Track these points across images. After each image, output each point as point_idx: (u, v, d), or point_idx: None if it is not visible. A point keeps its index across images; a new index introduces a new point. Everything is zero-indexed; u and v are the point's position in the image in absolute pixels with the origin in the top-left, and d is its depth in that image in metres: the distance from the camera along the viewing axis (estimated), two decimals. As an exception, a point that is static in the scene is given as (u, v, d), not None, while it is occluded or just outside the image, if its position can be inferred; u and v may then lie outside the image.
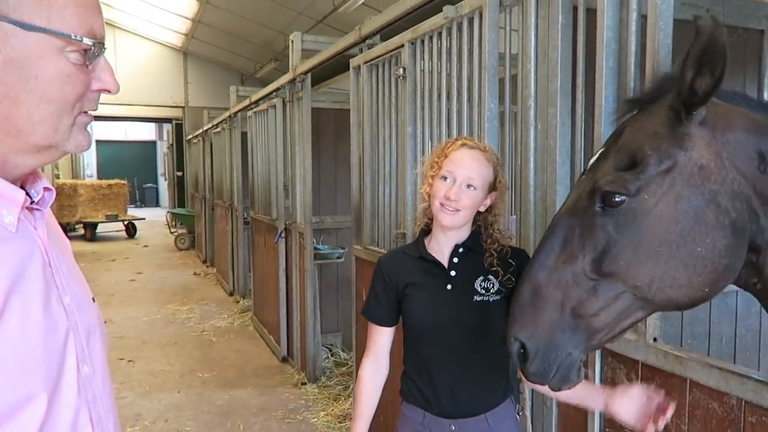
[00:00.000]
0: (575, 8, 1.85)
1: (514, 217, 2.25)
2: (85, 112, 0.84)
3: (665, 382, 1.50)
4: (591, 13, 1.76)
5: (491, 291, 1.67)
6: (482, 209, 1.69)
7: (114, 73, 0.86)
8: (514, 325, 1.20)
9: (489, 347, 1.67)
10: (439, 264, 1.70)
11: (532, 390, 2.03)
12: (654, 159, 1.07)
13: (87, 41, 0.79)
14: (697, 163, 1.06)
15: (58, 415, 0.79)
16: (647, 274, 1.08)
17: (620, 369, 1.64)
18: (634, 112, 1.19)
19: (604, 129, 1.63)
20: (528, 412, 2.03)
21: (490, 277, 1.68)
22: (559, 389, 1.21)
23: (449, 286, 1.68)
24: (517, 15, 2.08)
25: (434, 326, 1.66)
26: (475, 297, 1.66)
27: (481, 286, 1.67)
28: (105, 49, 0.85)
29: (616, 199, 1.08)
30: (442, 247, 1.72)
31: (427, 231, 1.76)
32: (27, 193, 0.85)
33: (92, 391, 0.87)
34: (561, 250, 1.16)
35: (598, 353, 1.71)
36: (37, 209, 0.87)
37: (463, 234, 1.71)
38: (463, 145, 1.66)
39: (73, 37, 0.78)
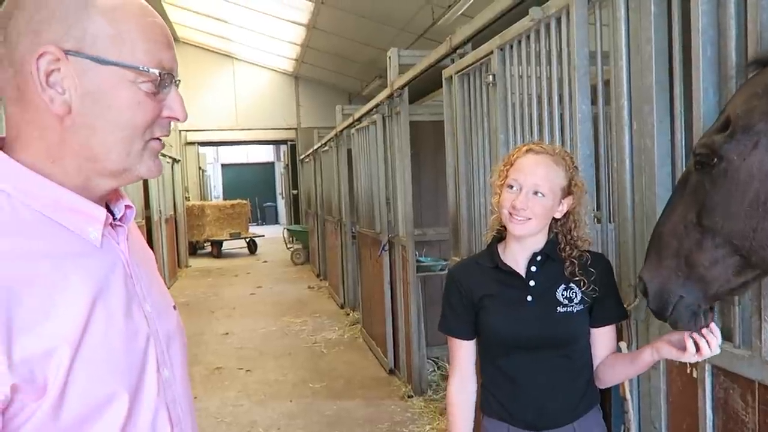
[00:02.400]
0: (669, -4, 1.72)
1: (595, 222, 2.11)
2: (157, 139, 0.91)
3: (787, 406, 1.32)
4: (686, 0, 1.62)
5: (574, 301, 1.58)
6: (558, 215, 1.60)
7: (183, 102, 0.92)
8: (643, 266, 1.33)
9: (574, 357, 1.58)
10: (516, 274, 1.63)
11: (639, 410, 1.88)
12: (745, 120, 1.10)
13: (154, 71, 0.86)
14: None
15: (139, 413, 0.86)
16: (739, 230, 1.12)
17: (733, 389, 1.47)
18: (755, 73, 1.17)
19: (703, 123, 1.49)
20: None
21: (572, 285, 1.59)
22: (676, 327, 1.31)
23: (529, 298, 1.60)
24: (607, 11, 1.97)
25: (515, 340, 1.59)
26: (558, 308, 1.57)
27: (563, 295, 1.58)
28: (178, 80, 0.91)
29: (709, 160, 1.14)
30: (517, 257, 1.65)
31: (499, 238, 1.69)
32: (111, 211, 0.93)
33: (172, 393, 0.93)
34: (678, 203, 1.25)
35: (708, 371, 1.55)
36: (120, 225, 0.95)
37: (539, 241, 1.63)
38: (528, 150, 1.59)
39: (141, 68, 0.85)
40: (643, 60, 1.77)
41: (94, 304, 0.82)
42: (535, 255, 1.63)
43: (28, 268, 0.77)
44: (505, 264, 1.65)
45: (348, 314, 7.76)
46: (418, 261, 4.84)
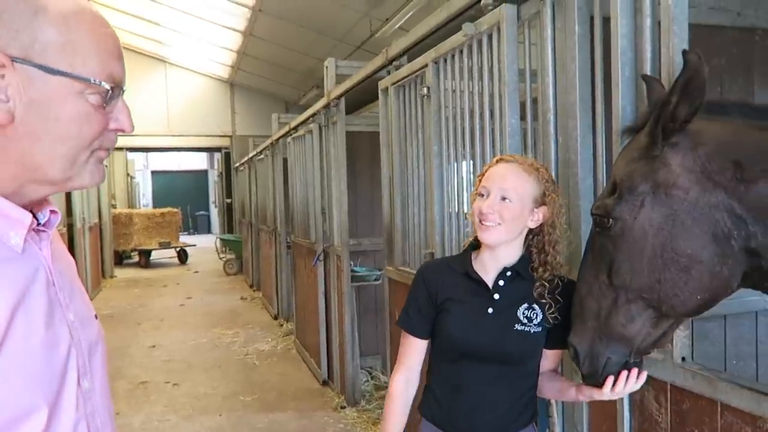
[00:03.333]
0: (592, 18, 1.81)
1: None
2: (105, 149, 0.88)
3: (695, 405, 1.41)
4: (607, 22, 1.71)
5: (533, 322, 1.58)
6: (532, 225, 1.59)
7: (130, 114, 0.89)
8: (571, 331, 1.39)
9: (520, 376, 1.60)
10: (483, 284, 1.62)
11: (563, 414, 1.95)
12: (628, 183, 1.20)
13: (106, 85, 0.83)
14: (668, 182, 1.16)
15: (57, 427, 0.82)
16: (646, 284, 1.20)
17: (648, 391, 1.56)
18: (631, 139, 1.29)
19: (621, 141, 1.57)
20: (558, 437, 1.95)
21: (535, 306, 1.59)
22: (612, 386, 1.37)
23: (491, 310, 1.60)
24: (536, 30, 2.06)
25: (468, 347, 1.59)
26: (516, 325, 1.57)
27: (524, 314, 1.58)
28: (123, 91, 0.88)
29: (605, 222, 1.23)
30: (487, 267, 1.64)
31: (475, 246, 1.68)
32: (34, 216, 0.88)
33: (91, 405, 0.90)
34: (590, 266, 1.33)
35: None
36: (43, 230, 0.90)
37: (512, 256, 1.62)
38: (499, 160, 1.62)
39: (93, 81, 0.82)
40: (568, 78, 1.86)
41: (14, 312, 0.78)
42: (505, 269, 1.62)
43: None
44: (475, 272, 1.64)
45: (282, 325, 7.64)
46: (352, 271, 4.83)
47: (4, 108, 0.78)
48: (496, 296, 1.60)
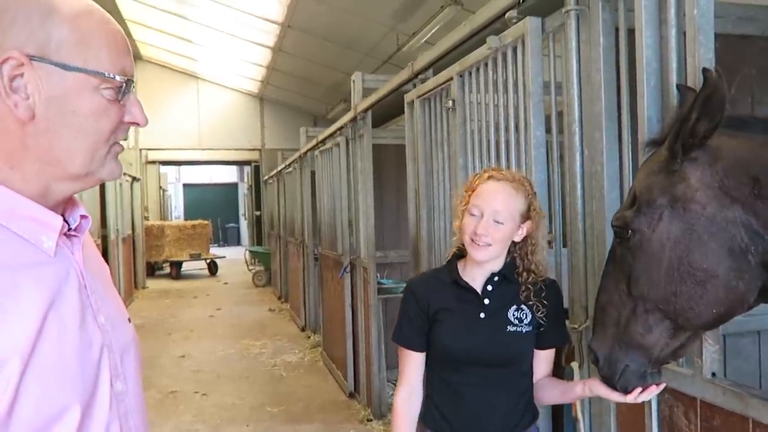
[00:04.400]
0: (617, 29, 1.81)
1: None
2: (118, 143, 0.92)
3: (726, 421, 1.37)
4: (632, 34, 1.71)
5: (524, 322, 1.64)
6: (517, 239, 1.66)
7: (142, 107, 0.93)
8: (592, 337, 1.42)
9: (518, 376, 1.64)
10: (473, 291, 1.68)
11: (590, 430, 1.92)
12: (647, 196, 1.22)
13: (119, 78, 0.87)
14: (686, 196, 1.17)
15: (91, 426, 0.84)
16: (662, 296, 1.21)
17: (677, 407, 1.52)
18: (653, 152, 1.30)
19: (645, 153, 1.56)
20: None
21: (524, 307, 1.65)
22: (626, 393, 1.39)
23: (482, 315, 1.65)
24: (560, 42, 2.06)
25: (465, 354, 1.63)
26: (508, 327, 1.63)
27: (514, 316, 1.64)
28: (134, 85, 0.92)
29: (624, 233, 1.25)
30: (475, 275, 1.70)
31: (459, 255, 1.73)
32: (65, 220, 0.92)
33: (124, 406, 0.92)
34: (610, 276, 1.34)
35: (653, 389, 1.59)
36: (75, 235, 0.94)
37: (498, 263, 1.68)
38: (490, 177, 1.65)
39: (107, 75, 0.86)
40: (593, 89, 1.85)
41: (47, 314, 0.80)
42: (492, 275, 1.69)
43: None
44: (463, 280, 1.70)
45: (309, 337, 7.67)
46: (379, 283, 4.84)
47: (24, 105, 0.81)
48: (486, 301, 1.67)
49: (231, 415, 5.00)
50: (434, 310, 1.69)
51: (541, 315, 1.66)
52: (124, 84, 0.88)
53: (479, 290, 1.68)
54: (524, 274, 1.69)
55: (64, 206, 0.94)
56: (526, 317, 1.66)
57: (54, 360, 0.80)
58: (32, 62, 0.81)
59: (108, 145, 0.89)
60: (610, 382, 1.39)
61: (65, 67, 0.83)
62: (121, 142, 0.93)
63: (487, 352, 1.63)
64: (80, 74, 0.84)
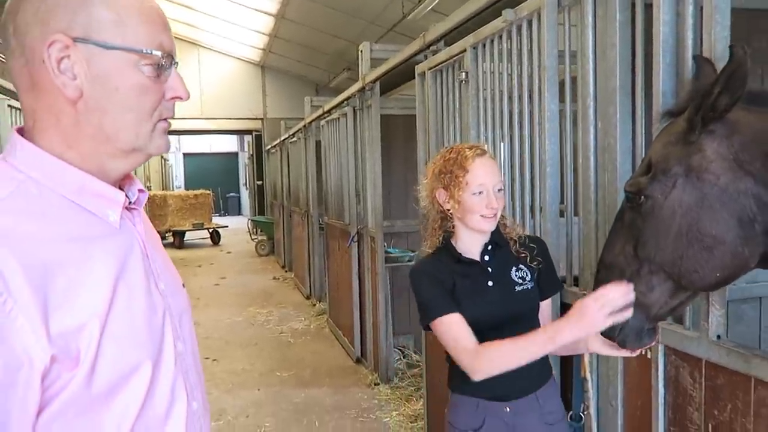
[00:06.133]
0: (633, 5, 1.84)
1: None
2: (164, 120, 0.96)
3: (729, 380, 1.47)
4: (649, 9, 1.75)
5: (527, 279, 1.79)
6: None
7: (184, 82, 0.97)
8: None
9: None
10: (476, 263, 1.79)
11: (598, 390, 2.02)
12: (663, 164, 1.27)
13: (156, 53, 0.91)
14: (701, 166, 1.22)
15: (160, 381, 0.92)
16: (669, 259, 1.28)
17: (683, 367, 1.62)
18: (669, 122, 1.35)
19: (661, 123, 1.62)
20: (593, 411, 2.02)
21: (521, 266, 1.79)
22: (623, 347, 1.47)
23: (490, 283, 1.77)
24: (576, 14, 2.09)
25: (484, 322, 1.71)
26: (516, 287, 1.76)
27: (516, 275, 1.78)
28: (176, 62, 0.96)
29: (637, 199, 1.30)
30: (471, 248, 1.81)
31: (447, 236, 1.83)
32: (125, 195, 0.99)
33: (184, 365, 1.00)
34: (617, 238, 1.42)
35: (660, 351, 1.69)
36: (134, 208, 1.01)
37: (488, 233, 1.81)
38: (477, 154, 1.74)
39: (144, 51, 0.90)
40: (608, 64, 1.90)
41: (117, 282, 0.88)
42: (486, 245, 1.80)
43: (58, 249, 0.83)
44: (465, 257, 1.79)
45: (314, 305, 7.82)
46: (386, 252, 4.94)
47: (72, 85, 0.87)
48: (489, 269, 1.78)
49: (242, 380, 5.15)
50: (448, 289, 1.75)
51: (534, 264, 1.79)
52: (163, 59, 0.92)
53: (480, 261, 1.79)
54: (507, 231, 1.84)
55: (122, 182, 1.00)
56: (526, 275, 1.78)
57: (126, 323, 0.88)
58: (76, 44, 0.86)
59: (152, 122, 0.94)
60: (609, 336, 1.47)
61: (106, 46, 0.87)
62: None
63: (505, 314, 1.72)
64: (120, 52, 0.88)
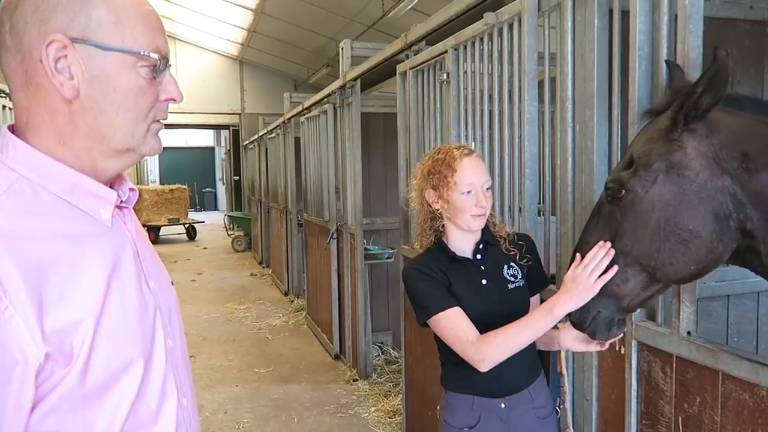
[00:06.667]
0: (611, 11, 1.90)
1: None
2: (157, 121, 0.98)
3: (698, 375, 1.53)
4: (626, 16, 1.80)
5: (518, 277, 1.83)
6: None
7: (177, 84, 0.99)
8: None
9: None
10: (470, 262, 1.82)
11: (573, 384, 2.09)
12: (644, 160, 1.31)
13: (154, 56, 0.93)
14: (681, 163, 1.27)
15: (151, 377, 0.94)
16: (645, 252, 1.33)
17: (655, 362, 1.69)
18: (650, 120, 1.39)
19: (640, 121, 1.67)
20: (569, 405, 2.08)
21: (512, 264, 1.83)
22: (594, 338, 1.54)
23: (484, 281, 1.79)
24: (556, 18, 2.14)
25: (479, 319, 1.73)
26: (509, 285, 1.80)
27: (509, 273, 1.82)
28: (170, 65, 0.98)
29: (617, 194, 1.35)
30: (464, 247, 1.84)
31: (438, 236, 1.87)
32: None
33: (174, 361, 1.02)
34: (594, 230, 1.46)
35: (633, 347, 1.75)
36: (125, 207, 1.02)
37: (479, 231, 1.85)
38: (465, 154, 1.78)
39: (142, 53, 0.91)
40: (586, 68, 1.96)
41: (110, 279, 0.90)
42: (478, 243, 1.84)
43: (52, 248, 0.84)
44: (459, 255, 1.82)
45: (292, 301, 7.81)
46: (366, 249, 4.97)
47: (69, 84, 0.88)
48: (483, 267, 1.82)
49: (220, 376, 5.14)
50: (446, 286, 1.78)
51: (524, 261, 1.83)
52: (159, 62, 0.94)
53: (473, 260, 1.82)
54: (496, 229, 1.88)
55: (113, 181, 1.01)
56: (517, 273, 1.82)
57: (119, 320, 0.89)
58: (74, 44, 0.87)
59: (147, 123, 0.95)
60: (580, 327, 1.52)
61: (105, 47, 0.89)
62: None
63: (498, 312, 1.74)
64: (118, 53, 0.90)
